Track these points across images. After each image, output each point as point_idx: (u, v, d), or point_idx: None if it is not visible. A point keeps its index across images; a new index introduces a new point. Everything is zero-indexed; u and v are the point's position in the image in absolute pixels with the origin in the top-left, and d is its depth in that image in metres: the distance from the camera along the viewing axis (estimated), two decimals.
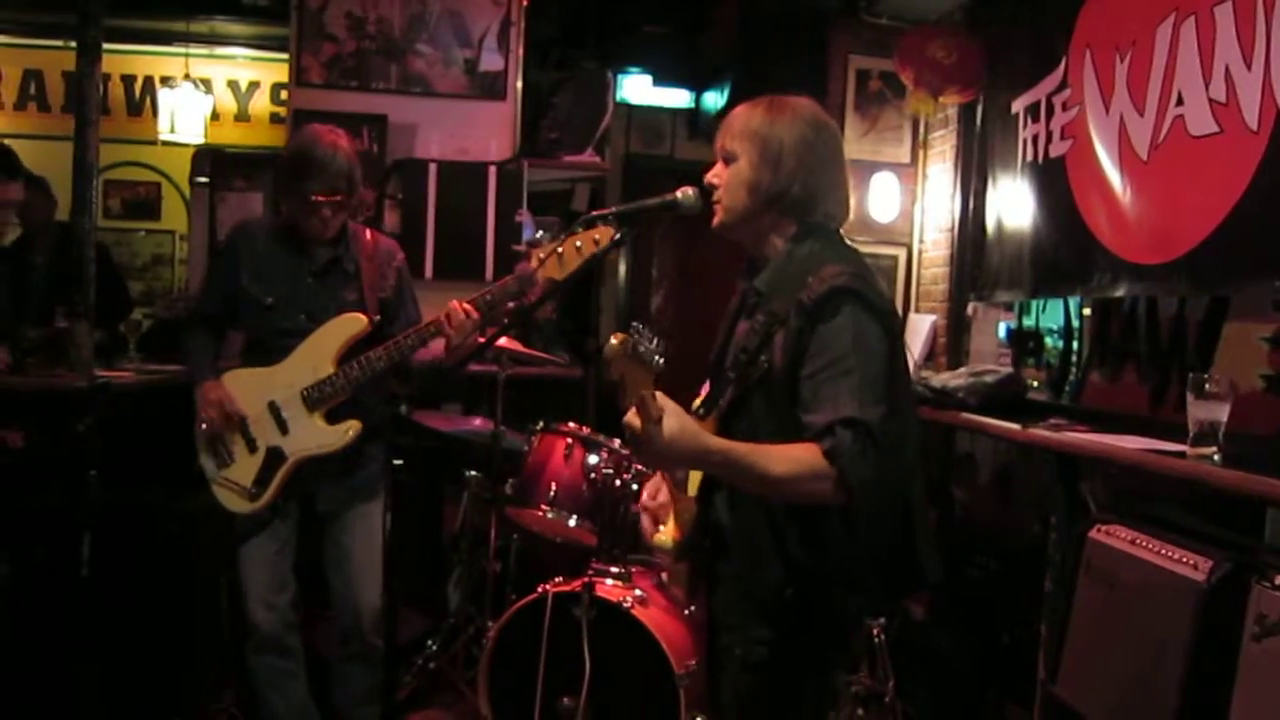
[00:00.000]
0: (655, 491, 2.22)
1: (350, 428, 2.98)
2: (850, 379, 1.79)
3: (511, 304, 2.92)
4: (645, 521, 2.23)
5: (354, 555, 3.10)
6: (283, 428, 3.00)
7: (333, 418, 2.99)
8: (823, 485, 1.75)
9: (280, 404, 3.00)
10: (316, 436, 2.99)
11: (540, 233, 2.36)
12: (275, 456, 3.00)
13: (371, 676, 3.13)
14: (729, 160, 2.01)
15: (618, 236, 2.20)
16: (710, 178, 2.04)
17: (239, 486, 3.01)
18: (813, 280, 1.86)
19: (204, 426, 3.01)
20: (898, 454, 1.88)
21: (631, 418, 1.70)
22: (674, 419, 1.70)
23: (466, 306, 2.87)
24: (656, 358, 1.65)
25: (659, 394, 1.70)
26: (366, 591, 3.08)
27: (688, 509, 2.09)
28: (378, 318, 3.04)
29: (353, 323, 3.00)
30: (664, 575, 3.27)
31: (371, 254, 3.12)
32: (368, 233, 3.19)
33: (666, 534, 2.15)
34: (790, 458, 1.77)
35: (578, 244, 2.27)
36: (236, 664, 3.55)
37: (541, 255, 2.36)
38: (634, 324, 1.66)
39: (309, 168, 2.93)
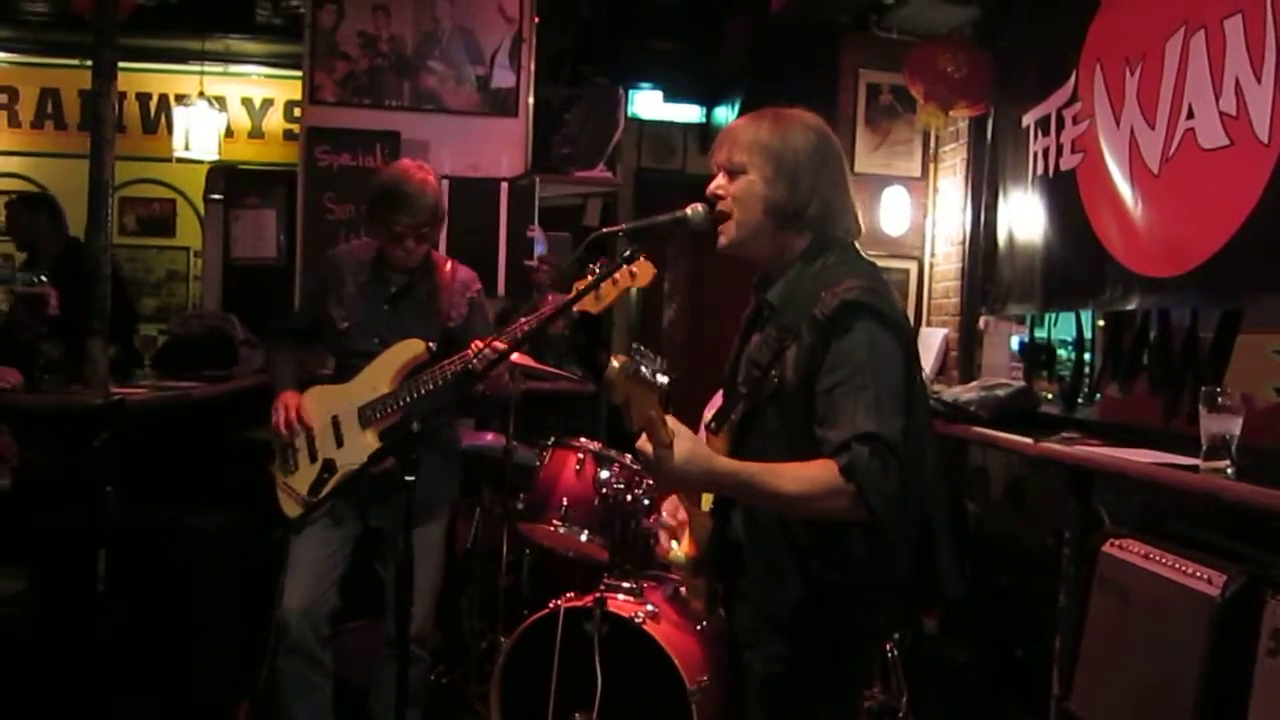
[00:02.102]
0: (675, 509, 2.22)
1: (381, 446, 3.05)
2: (866, 394, 1.77)
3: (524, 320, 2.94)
4: (663, 537, 2.23)
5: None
6: (339, 441, 3.12)
7: (387, 437, 3.08)
8: (839, 502, 1.73)
9: (341, 419, 3.13)
10: (362, 452, 3.08)
11: (596, 266, 2.37)
12: (328, 468, 3.11)
13: (414, 679, 3.17)
14: (734, 173, 1.95)
15: (629, 253, 2.20)
16: (714, 189, 1.98)
17: (296, 493, 3.15)
18: (825, 295, 1.84)
19: (273, 427, 3.15)
20: (918, 469, 1.87)
21: (643, 443, 1.70)
22: (685, 443, 1.71)
23: (497, 345, 2.90)
24: (660, 377, 1.64)
25: (669, 418, 1.70)
26: (417, 604, 3.10)
27: (703, 524, 2.09)
28: (433, 345, 3.11)
29: (410, 348, 3.10)
30: (682, 589, 3.28)
31: (448, 284, 3.26)
32: (448, 264, 3.33)
33: (681, 549, 2.15)
34: (803, 476, 1.75)
35: (616, 279, 2.32)
36: (251, 679, 3.56)
37: (580, 287, 2.37)
38: (635, 345, 1.66)
39: (398, 202, 3.09)
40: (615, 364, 1.63)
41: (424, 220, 3.14)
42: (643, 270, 2.40)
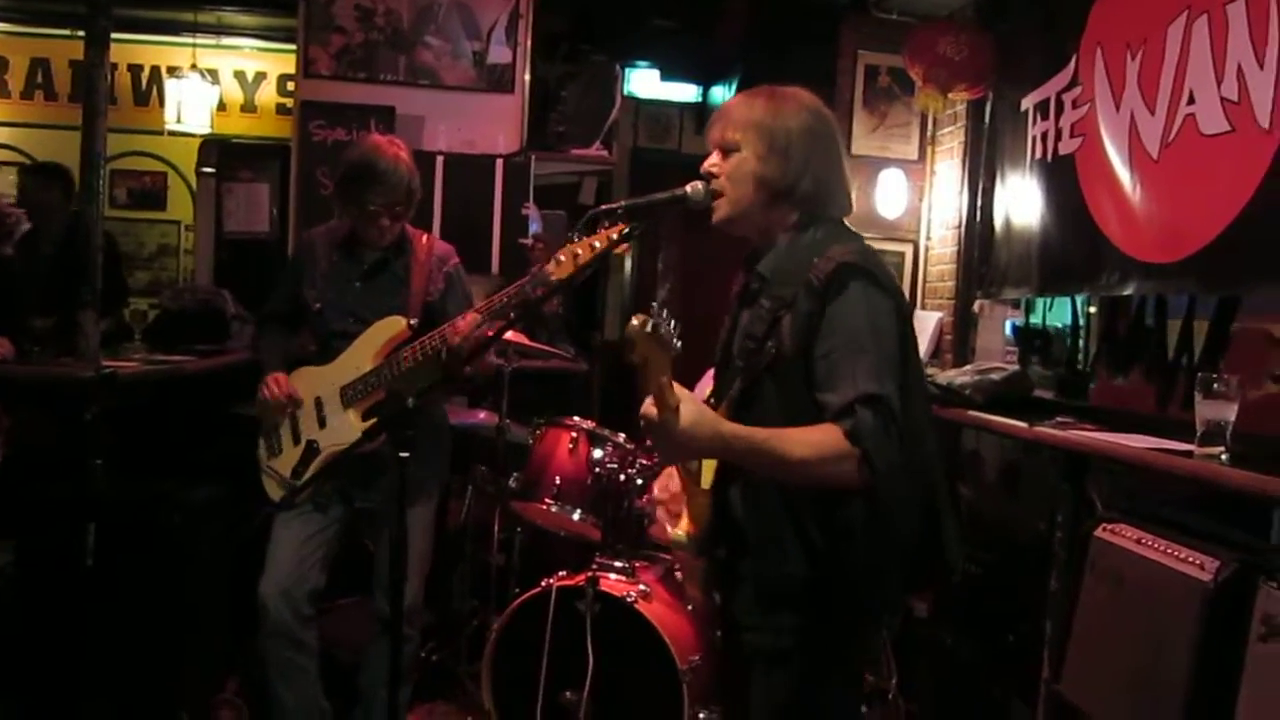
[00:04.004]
0: (666, 483, 2.21)
1: (368, 424, 3.01)
2: (866, 356, 1.78)
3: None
4: (661, 514, 2.21)
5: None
6: (322, 422, 3.10)
7: (370, 416, 3.05)
8: (846, 466, 1.72)
9: (324, 400, 3.11)
10: (345, 432, 3.05)
11: (575, 236, 2.36)
12: (311, 450, 3.09)
13: (404, 657, 3.16)
14: (729, 150, 1.97)
15: (625, 230, 2.18)
16: (709, 166, 2.00)
17: (279, 475, 3.13)
18: (819, 261, 1.85)
19: (261, 399, 3.12)
20: (920, 436, 1.86)
21: (648, 407, 1.69)
22: (691, 406, 1.70)
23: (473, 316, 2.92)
24: (675, 340, 1.64)
25: (675, 383, 1.69)
26: (407, 584, 3.09)
27: (701, 502, 2.07)
28: (414, 321, 3.09)
29: (391, 325, 3.08)
30: (678, 573, 3.27)
31: (424, 259, 3.21)
32: (424, 237, 3.28)
33: (682, 528, 2.13)
34: (810, 441, 1.74)
35: (595, 244, 2.29)
36: (239, 654, 3.56)
37: (562, 258, 2.35)
38: (652, 304, 1.65)
39: (370, 180, 3.03)
40: (635, 321, 1.62)
41: (398, 199, 3.08)
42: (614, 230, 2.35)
